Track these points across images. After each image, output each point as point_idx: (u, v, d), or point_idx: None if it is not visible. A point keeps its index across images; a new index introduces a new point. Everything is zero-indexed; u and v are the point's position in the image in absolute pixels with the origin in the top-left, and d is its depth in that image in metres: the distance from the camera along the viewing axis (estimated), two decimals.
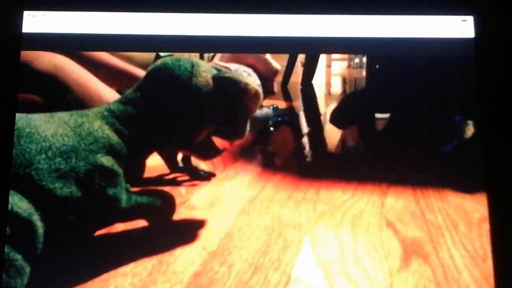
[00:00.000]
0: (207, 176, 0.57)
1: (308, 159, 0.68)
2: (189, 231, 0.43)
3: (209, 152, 0.45)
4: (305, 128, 0.87)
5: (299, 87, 1.15)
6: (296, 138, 0.79)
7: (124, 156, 0.38)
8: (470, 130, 0.67)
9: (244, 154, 0.66)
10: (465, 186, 0.52)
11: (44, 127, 0.35)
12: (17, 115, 0.36)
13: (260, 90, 0.43)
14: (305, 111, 0.98)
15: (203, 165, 0.59)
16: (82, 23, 0.45)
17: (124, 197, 0.38)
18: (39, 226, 0.33)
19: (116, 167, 0.37)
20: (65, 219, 0.34)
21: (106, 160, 0.37)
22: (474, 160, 0.46)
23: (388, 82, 0.77)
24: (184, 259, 0.38)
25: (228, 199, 0.50)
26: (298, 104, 1.06)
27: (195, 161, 0.56)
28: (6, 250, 0.32)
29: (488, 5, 0.45)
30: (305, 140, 0.78)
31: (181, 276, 0.36)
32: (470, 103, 0.47)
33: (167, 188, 0.53)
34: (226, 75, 0.42)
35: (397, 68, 0.75)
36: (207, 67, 0.42)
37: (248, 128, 0.45)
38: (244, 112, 0.44)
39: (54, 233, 0.34)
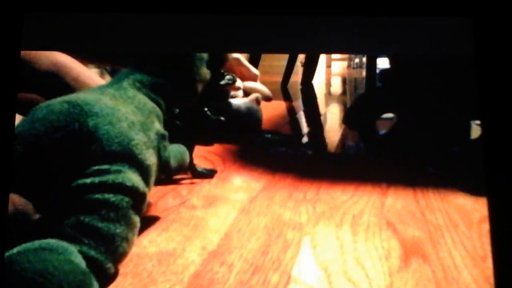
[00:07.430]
0: (210, 174, 0.57)
1: (308, 159, 0.68)
2: (189, 231, 0.43)
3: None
4: (305, 128, 0.87)
5: (299, 87, 1.15)
6: (296, 138, 0.79)
7: (163, 122, 0.44)
8: (470, 131, 0.67)
9: (244, 154, 0.66)
10: (465, 186, 0.52)
11: (114, 104, 0.39)
12: (83, 95, 0.39)
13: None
14: (305, 111, 0.98)
15: (203, 163, 0.59)
16: (82, 23, 0.45)
17: (170, 157, 0.43)
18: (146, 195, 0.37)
19: (165, 132, 0.43)
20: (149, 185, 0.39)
21: (161, 128, 0.42)
22: (474, 160, 0.46)
23: (392, 83, 0.77)
24: (184, 259, 0.38)
25: (228, 199, 0.50)
26: (298, 104, 1.06)
27: (196, 160, 0.56)
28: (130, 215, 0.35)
29: (488, 6, 0.45)
30: (305, 139, 0.78)
31: (181, 276, 0.36)
32: (471, 104, 0.47)
33: (169, 187, 0.53)
34: None
35: (400, 69, 0.75)
36: None
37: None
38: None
39: None
